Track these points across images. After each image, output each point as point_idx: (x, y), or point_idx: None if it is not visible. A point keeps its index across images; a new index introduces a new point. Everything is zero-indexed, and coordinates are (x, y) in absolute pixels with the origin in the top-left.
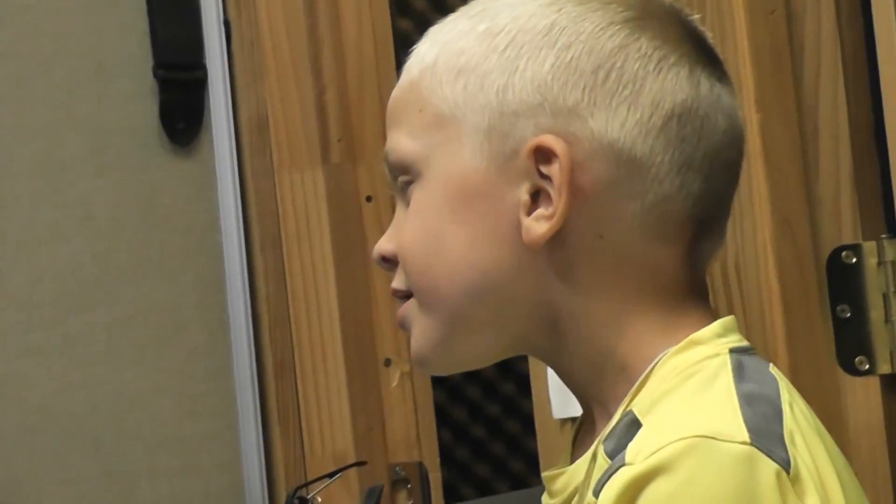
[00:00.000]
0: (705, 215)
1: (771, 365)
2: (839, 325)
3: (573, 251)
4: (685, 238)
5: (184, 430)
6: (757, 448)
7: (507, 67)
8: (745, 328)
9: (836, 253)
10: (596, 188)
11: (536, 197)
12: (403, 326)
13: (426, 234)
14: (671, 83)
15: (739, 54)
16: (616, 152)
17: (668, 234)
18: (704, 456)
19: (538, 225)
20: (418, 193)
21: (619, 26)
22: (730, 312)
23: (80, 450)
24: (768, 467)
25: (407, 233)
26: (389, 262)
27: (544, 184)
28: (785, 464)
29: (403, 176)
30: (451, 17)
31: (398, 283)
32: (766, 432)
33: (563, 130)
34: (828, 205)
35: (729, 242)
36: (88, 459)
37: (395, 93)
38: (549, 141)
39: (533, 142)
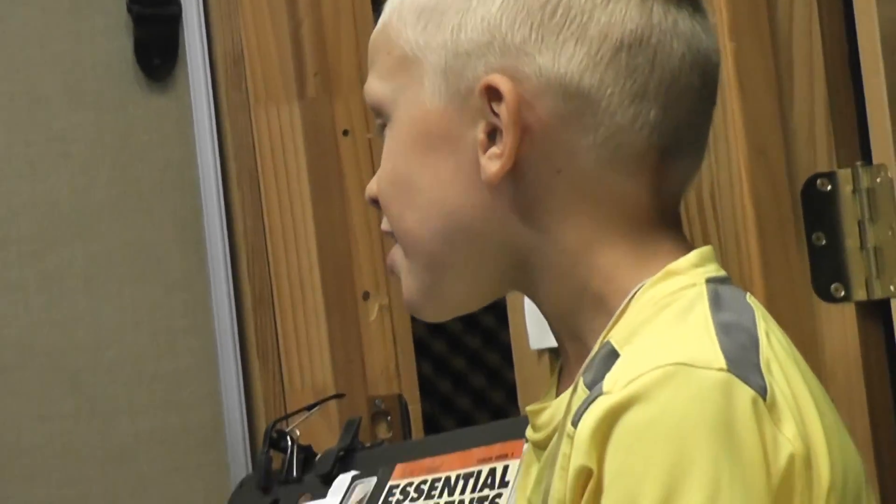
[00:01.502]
0: (668, 144)
1: (748, 294)
2: (815, 253)
3: (533, 187)
4: (648, 167)
5: (163, 366)
6: (734, 375)
7: (461, 6)
8: (721, 257)
9: (812, 181)
10: (547, 124)
11: (494, 136)
12: (393, 271)
13: (397, 178)
14: (620, 13)
15: None
16: (564, 87)
17: (629, 165)
18: (681, 383)
19: (492, 163)
20: (389, 136)
21: None
22: (705, 241)
23: (59, 386)
24: (745, 393)
25: (381, 177)
26: (377, 203)
27: (497, 122)
28: (761, 390)
29: (378, 118)
30: None
31: (385, 224)
32: (742, 360)
33: (511, 68)
34: (802, 133)
35: (703, 171)
36: (67, 396)
37: (373, 34)
38: (496, 80)
39: (483, 81)
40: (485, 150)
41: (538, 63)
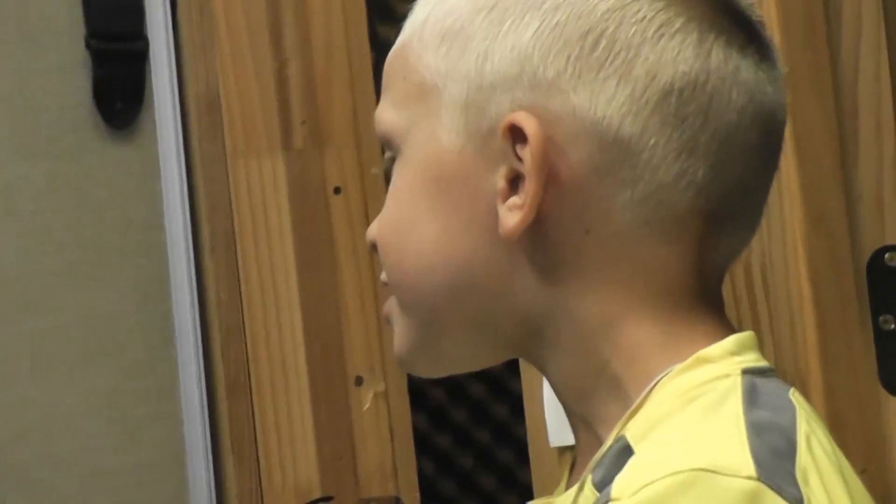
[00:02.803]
0: (716, 209)
1: (792, 390)
2: (881, 338)
3: (557, 247)
4: (690, 235)
5: (122, 460)
6: (764, 483)
7: (489, 32)
8: (772, 342)
9: (879, 255)
10: (578, 174)
11: (517, 184)
12: (388, 322)
13: (399, 223)
14: (672, 52)
15: (767, 23)
16: (601, 133)
17: (669, 230)
18: (702, 492)
19: (511, 215)
20: (397, 173)
21: None
22: (754, 324)
23: (6, 482)
24: None
25: (384, 218)
26: (376, 248)
27: (521, 167)
28: (796, 502)
29: (388, 151)
30: None
31: (384, 275)
32: (776, 467)
33: (541, 107)
34: (868, 199)
35: (754, 243)
36: (14, 493)
37: (389, 55)
38: (521, 118)
39: (506, 119)
40: (504, 200)
41: (572, 102)
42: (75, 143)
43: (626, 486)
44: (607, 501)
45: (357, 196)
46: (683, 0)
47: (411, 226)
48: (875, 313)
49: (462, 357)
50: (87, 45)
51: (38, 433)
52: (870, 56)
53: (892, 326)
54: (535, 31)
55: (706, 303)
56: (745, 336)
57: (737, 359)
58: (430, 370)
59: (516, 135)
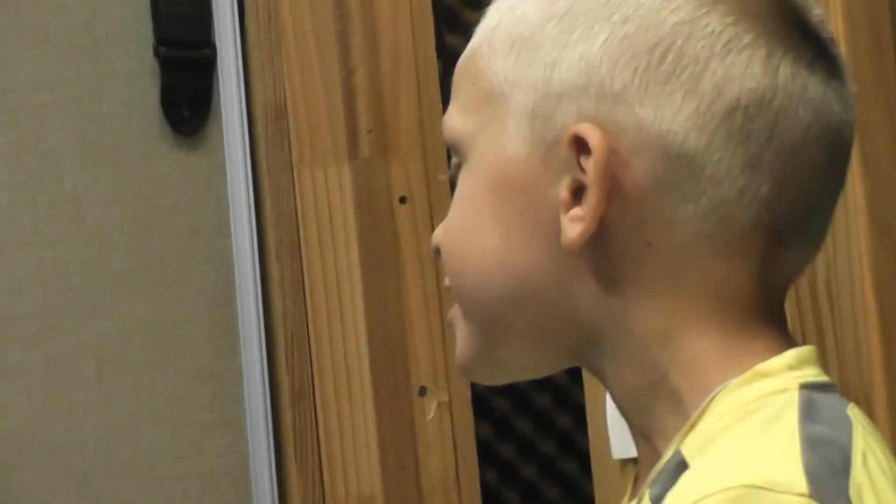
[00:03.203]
0: (779, 226)
1: (851, 405)
2: None
3: (618, 259)
4: (753, 250)
5: (185, 468)
6: (816, 501)
7: (559, 41)
8: (836, 356)
9: None
10: (641, 187)
11: (580, 195)
12: (452, 328)
13: (463, 229)
14: (740, 67)
15: (833, 34)
16: (666, 146)
17: (731, 245)
18: None
19: (573, 226)
20: (462, 180)
21: None
22: (819, 338)
23: (65, 488)
24: None
25: (448, 224)
26: (440, 253)
27: (584, 178)
28: None
29: (455, 157)
30: None
31: (448, 280)
32: (829, 483)
33: (606, 118)
34: None
35: (819, 255)
36: (75, 500)
37: (459, 60)
38: (585, 129)
39: (571, 130)
40: (567, 210)
41: (638, 115)
42: (142, 150)
43: (677, 501)
44: None
45: (423, 205)
46: (753, 16)
47: (474, 232)
48: None
49: (522, 365)
50: (156, 53)
51: (100, 440)
52: None
53: None
54: (604, 42)
55: (768, 318)
56: (806, 350)
57: (795, 373)
58: (490, 377)
59: (581, 146)
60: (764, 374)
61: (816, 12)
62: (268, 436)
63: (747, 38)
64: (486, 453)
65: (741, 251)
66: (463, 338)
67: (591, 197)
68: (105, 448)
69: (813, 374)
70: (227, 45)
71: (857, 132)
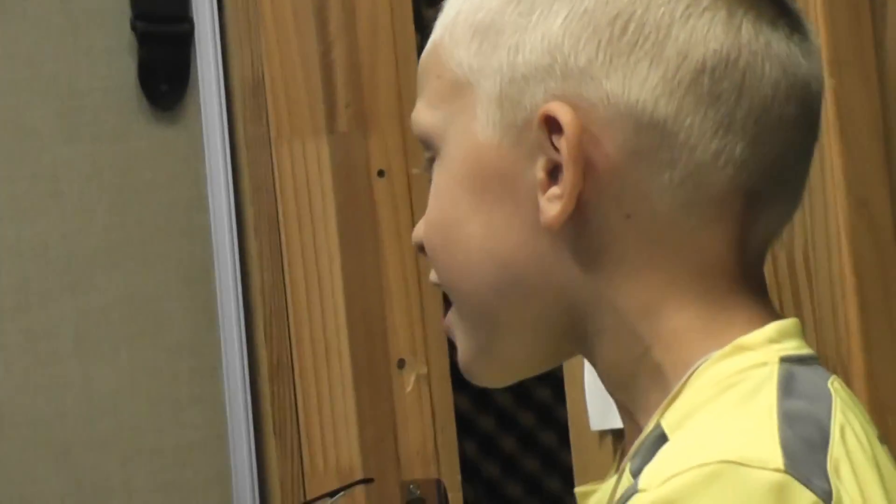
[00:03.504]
0: (757, 186)
1: (833, 378)
2: None
3: (598, 234)
4: (732, 215)
5: (164, 440)
6: (792, 476)
7: (519, 24)
8: (814, 327)
9: None
10: (615, 160)
11: (556, 175)
12: (449, 335)
13: (444, 222)
14: (702, 31)
15: (811, 8)
16: (636, 117)
17: (710, 210)
18: (727, 485)
19: (552, 205)
20: (437, 173)
21: None
22: (797, 309)
23: (46, 460)
24: (804, 499)
25: (429, 220)
26: (423, 249)
27: (558, 158)
28: (825, 495)
29: (426, 151)
30: None
31: (433, 275)
32: (805, 458)
33: (574, 95)
34: None
35: (797, 228)
36: (55, 472)
37: (422, 56)
38: (555, 108)
39: (541, 110)
40: (544, 191)
41: (605, 89)
42: (120, 125)
43: (653, 476)
44: (635, 492)
45: (401, 179)
46: None
47: (455, 225)
48: None
49: (521, 359)
50: (133, 28)
51: (79, 412)
52: None
53: None
54: (564, 20)
55: (748, 285)
56: (788, 323)
57: (776, 346)
58: (494, 377)
59: (552, 125)
60: (744, 348)
61: None
62: (246, 410)
63: (706, 1)
64: (464, 425)
65: (719, 217)
66: (462, 340)
67: (567, 175)
68: (84, 421)
69: (794, 346)
70: (204, 19)
71: (835, 107)
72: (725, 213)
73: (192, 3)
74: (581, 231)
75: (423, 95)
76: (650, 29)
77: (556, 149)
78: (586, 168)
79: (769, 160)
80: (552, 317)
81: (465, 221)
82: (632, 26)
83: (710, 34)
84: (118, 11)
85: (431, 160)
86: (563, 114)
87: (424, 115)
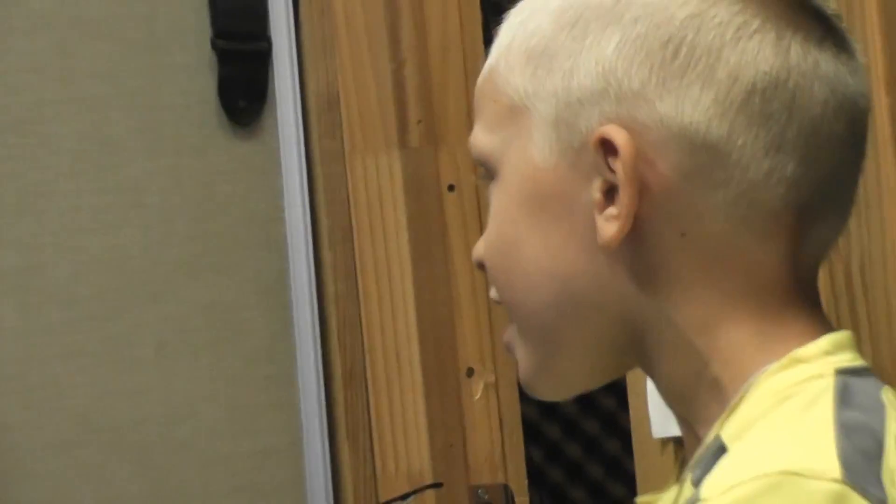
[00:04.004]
0: (808, 202)
1: (885, 388)
2: None
3: (654, 252)
4: (785, 230)
5: (241, 446)
6: (849, 486)
7: (573, 48)
8: (869, 341)
9: None
10: (670, 180)
11: (612, 195)
12: (509, 351)
13: (503, 243)
14: (752, 53)
15: (869, 30)
16: (690, 138)
17: (763, 227)
18: (787, 495)
19: (609, 225)
20: (495, 194)
21: None
22: (853, 322)
23: (125, 465)
24: None
25: (488, 240)
26: (483, 267)
27: (614, 179)
28: (880, 503)
29: (486, 174)
30: None
31: (493, 292)
32: (862, 468)
33: (628, 118)
34: None
35: (853, 242)
36: (134, 476)
37: (479, 79)
38: (610, 131)
39: (596, 133)
40: (601, 211)
41: (659, 111)
42: (200, 140)
43: (714, 486)
44: (696, 501)
45: (470, 193)
46: (759, 1)
47: (514, 245)
48: None
49: (581, 374)
50: (213, 46)
51: (159, 418)
52: None
53: None
54: (617, 44)
55: (802, 299)
56: (842, 335)
57: (831, 359)
58: (555, 392)
59: (607, 148)
60: (800, 360)
61: None
62: (320, 416)
63: (756, 24)
64: (531, 432)
65: (772, 233)
66: (522, 356)
67: (623, 195)
68: (164, 427)
69: (849, 358)
70: (281, 37)
71: (891, 123)
72: (778, 230)
73: (269, 22)
74: (637, 249)
75: (480, 119)
76: (701, 52)
77: (612, 170)
78: (641, 188)
79: (820, 177)
80: (610, 333)
81: (524, 241)
82: (683, 50)
83: (760, 56)
84: (199, 30)
85: (489, 182)
86: (618, 136)
87: (482, 139)
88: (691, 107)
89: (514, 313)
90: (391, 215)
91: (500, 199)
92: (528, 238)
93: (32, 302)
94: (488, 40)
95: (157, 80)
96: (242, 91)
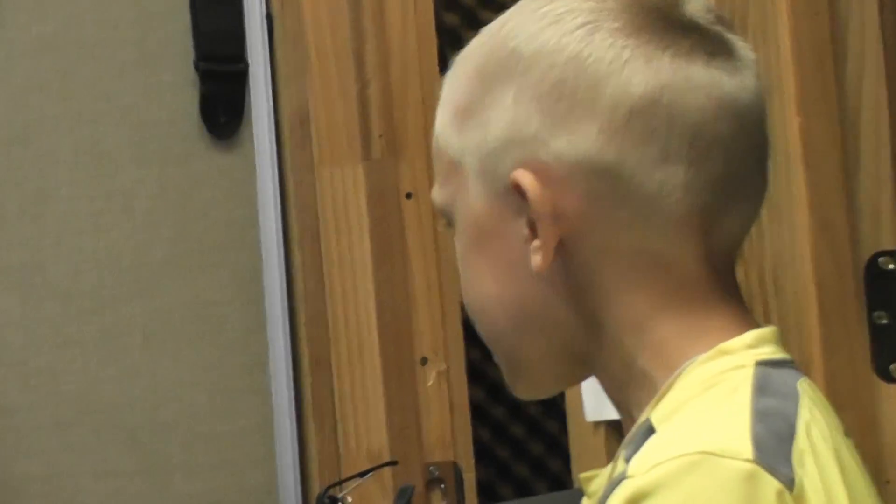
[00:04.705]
0: (708, 201)
1: (803, 380)
2: (876, 332)
3: (581, 270)
4: (692, 231)
5: (219, 426)
6: (760, 466)
7: (484, 102)
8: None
9: (874, 259)
10: (580, 206)
11: (535, 227)
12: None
13: (469, 285)
14: (625, 81)
15: (782, 57)
16: (587, 167)
17: (670, 232)
18: (705, 472)
19: (535, 256)
20: (456, 241)
21: (569, 36)
22: (765, 318)
23: (116, 443)
24: (770, 485)
25: (461, 284)
26: None
27: (534, 214)
28: (789, 482)
29: (447, 223)
30: (463, 51)
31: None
32: (773, 450)
33: (533, 159)
34: (868, 209)
35: (766, 246)
36: (124, 453)
37: (433, 139)
38: (518, 176)
39: (510, 178)
40: (530, 243)
41: (555, 148)
42: (184, 151)
43: (640, 464)
44: (624, 478)
45: (427, 200)
46: (628, 32)
47: (476, 283)
48: (870, 309)
49: (547, 380)
50: (196, 67)
51: (146, 401)
52: (871, 87)
53: (885, 321)
54: (514, 96)
55: (720, 293)
56: (766, 330)
57: (753, 351)
58: (530, 394)
59: (520, 190)
60: (725, 352)
61: (694, 3)
62: (290, 399)
63: (626, 54)
64: (479, 414)
65: (681, 235)
66: (503, 368)
67: (541, 227)
68: (150, 408)
69: (770, 351)
70: (257, 60)
71: (801, 141)
72: (685, 232)
73: (247, 46)
74: (567, 269)
75: (437, 176)
76: (582, 90)
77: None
78: (558, 217)
79: (713, 177)
80: (563, 343)
81: (479, 278)
82: (567, 91)
83: (634, 82)
84: (183, 52)
85: (451, 226)
86: (524, 179)
87: (437, 194)
88: (583, 139)
89: (486, 339)
90: (355, 220)
91: (459, 244)
92: (482, 274)
93: (33, 296)
94: (443, 64)
95: (145, 98)
96: (222, 108)
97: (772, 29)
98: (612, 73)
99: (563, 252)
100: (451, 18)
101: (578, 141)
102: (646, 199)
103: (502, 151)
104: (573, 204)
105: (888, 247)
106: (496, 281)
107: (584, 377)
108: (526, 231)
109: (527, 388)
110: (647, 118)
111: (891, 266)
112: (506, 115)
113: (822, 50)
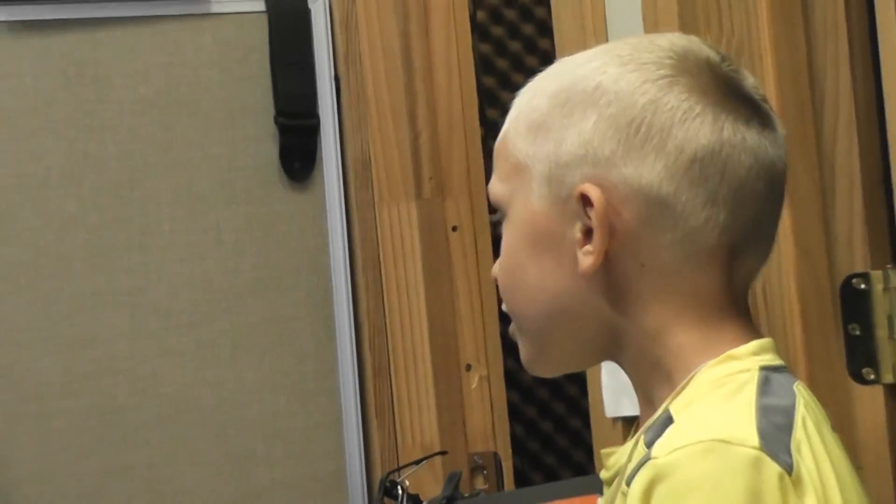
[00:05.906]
0: (736, 242)
1: (798, 384)
2: (850, 342)
3: (620, 278)
4: (719, 263)
5: (296, 423)
6: (764, 452)
7: (563, 123)
8: None
9: (849, 280)
10: (632, 225)
11: (589, 235)
12: (513, 336)
13: (510, 266)
14: (694, 131)
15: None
16: (646, 194)
17: (702, 260)
18: (718, 457)
19: (586, 258)
20: (505, 230)
21: (651, 84)
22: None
23: (208, 438)
24: (773, 469)
25: (500, 265)
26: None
27: (591, 223)
28: (788, 467)
29: (499, 213)
30: (538, 77)
31: (504, 304)
32: (775, 440)
33: (601, 178)
34: (843, 238)
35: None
36: (214, 446)
37: (496, 142)
38: (588, 188)
39: (578, 189)
40: (581, 247)
41: (623, 174)
42: (265, 193)
43: (663, 448)
44: (648, 459)
45: (469, 233)
46: (702, 91)
47: (518, 269)
48: (845, 322)
49: (568, 361)
50: (276, 121)
51: (233, 402)
52: (845, 133)
53: (858, 332)
54: (594, 122)
55: (735, 313)
56: (766, 341)
57: (756, 358)
58: (548, 372)
59: (585, 200)
60: (733, 358)
61: (750, 80)
62: (356, 401)
63: (698, 109)
64: (514, 413)
65: (709, 264)
66: (522, 346)
67: (597, 236)
68: (237, 408)
69: (770, 358)
70: (327, 115)
71: (786, 179)
72: (714, 262)
73: (318, 103)
74: (608, 276)
75: (496, 171)
76: (656, 130)
77: (589, 217)
78: (610, 231)
79: (745, 223)
80: (589, 335)
81: (526, 267)
82: (643, 128)
83: (700, 133)
84: (264, 110)
85: (501, 217)
86: (593, 192)
87: (496, 187)
88: (648, 171)
89: (516, 318)
90: (409, 249)
91: (509, 234)
92: (528, 264)
93: (139, 314)
94: (483, 118)
95: (233, 148)
96: (298, 156)
97: (761, 86)
98: (685, 121)
99: (607, 261)
100: (489, 81)
101: (644, 171)
102: (690, 230)
103: (574, 165)
104: (626, 222)
105: (860, 269)
106: (540, 271)
107: (596, 364)
108: (579, 235)
109: (544, 368)
110: (705, 165)
111: (863, 286)
112: (583, 136)
113: (803, 107)
